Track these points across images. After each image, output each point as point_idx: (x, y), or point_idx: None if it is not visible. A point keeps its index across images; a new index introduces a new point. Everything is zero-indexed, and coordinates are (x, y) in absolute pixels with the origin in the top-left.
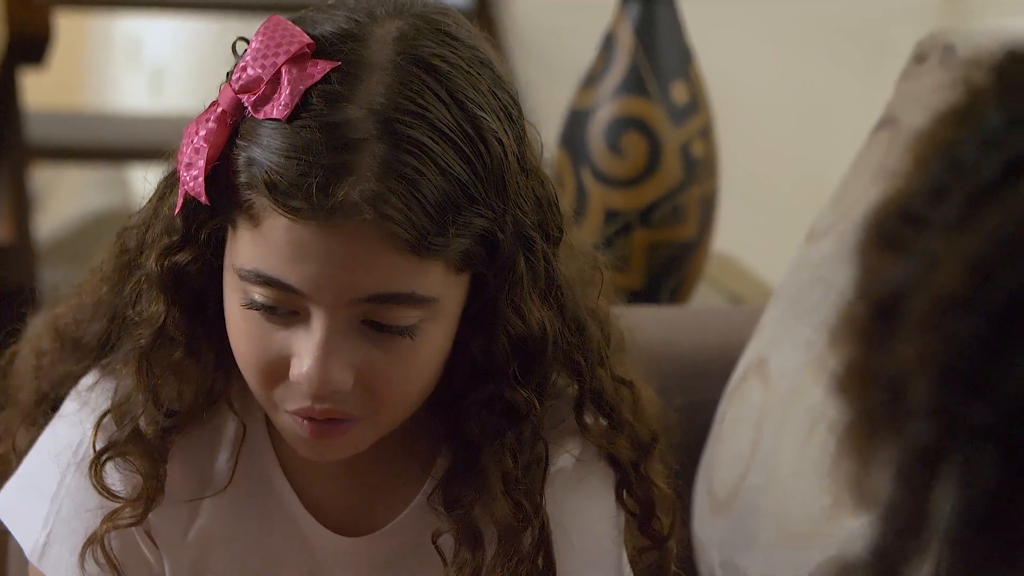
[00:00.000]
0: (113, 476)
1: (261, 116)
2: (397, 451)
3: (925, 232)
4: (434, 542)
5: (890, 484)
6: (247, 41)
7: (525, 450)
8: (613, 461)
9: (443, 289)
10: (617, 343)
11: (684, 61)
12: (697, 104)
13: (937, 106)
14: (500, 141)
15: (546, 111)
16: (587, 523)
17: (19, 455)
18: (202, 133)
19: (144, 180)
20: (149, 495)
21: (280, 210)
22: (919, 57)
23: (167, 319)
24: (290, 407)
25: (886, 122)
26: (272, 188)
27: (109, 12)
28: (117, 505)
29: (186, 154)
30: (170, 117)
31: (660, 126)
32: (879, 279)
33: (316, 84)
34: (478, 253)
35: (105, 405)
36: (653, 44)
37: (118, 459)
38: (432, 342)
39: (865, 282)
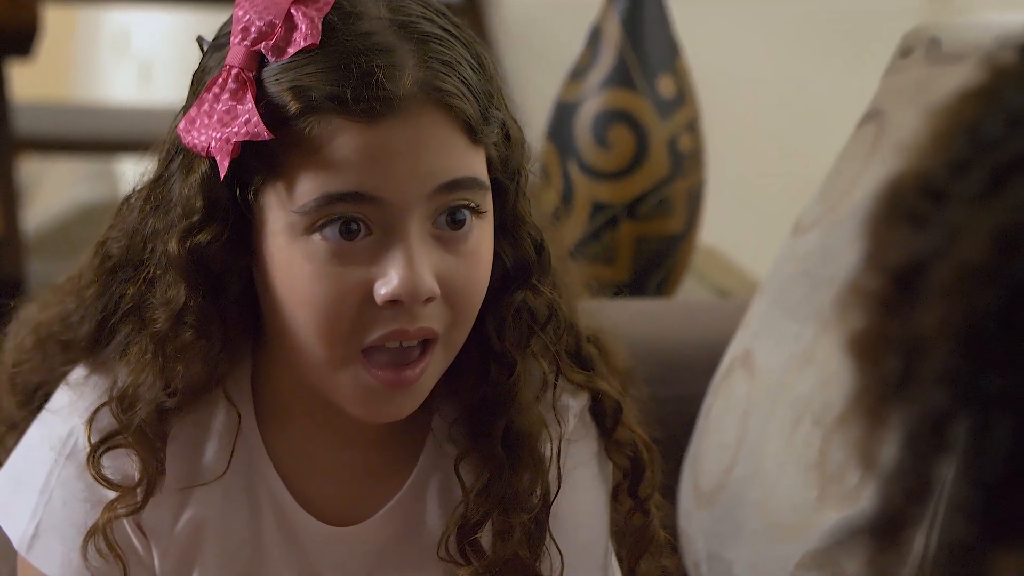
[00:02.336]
0: (108, 466)
1: (286, 56)
2: (383, 442)
3: (946, 205)
4: (456, 469)
5: (898, 449)
6: (202, 41)
7: (546, 356)
8: (599, 409)
9: (487, 182)
10: (576, 295)
11: (671, 55)
12: (684, 97)
13: (958, 84)
14: (485, 50)
15: (534, 104)
16: (578, 508)
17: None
18: (225, 97)
19: (134, 172)
20: (150, 480)
21: (351, 118)
22: (904, 51)
23: (187, 302)
24: (375, 335)
25: (872, 115)
26: (338, 99)
27: (97, 4)
28: (108, 495)
29: (207, 126)
30: (159, 109)
31: (647, 119)
32: (896, 249)
33: (329, 13)
34: (503, 149)
35: (97, 397)
36: (640, 37)
37: (116, 448)
38: (486, 243)
39: (879, 255)
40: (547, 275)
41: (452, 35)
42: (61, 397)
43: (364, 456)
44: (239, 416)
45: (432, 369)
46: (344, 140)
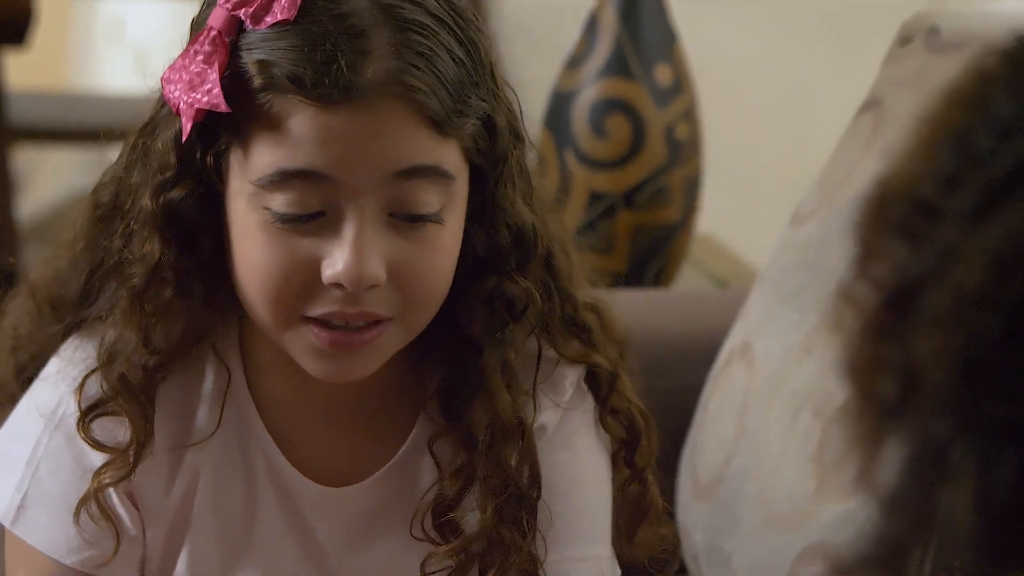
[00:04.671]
0: (98, 432)
1: (263, 25)
2: (378, 403)
3: (939, 223)
4: (430, 448)
5: (898, 475)
6: None
7: (521, 345)
8: (593, 379)
9: (458, 172)
10: (579, 269)
11: (668, 43)
12: (681, 86)
13: (943, 89)
14: (481, 35)
15: (532, 92)
16: (578, 475)
17: None
18: (199, 59)
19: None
20: (140, 443)
21: (308, 101)
22: (903, 39)
23: (162, 257)
24: (317, 311)
25: (870, 104)
26: (297, 81)
27: None
28: (96, 464)
29: (181, 84)
30: (154, 99)
31: (644, 108)
32: (892, 269)
33: None
34: (482, 139)
35: (86, 366)
36: (637, 26)
37: (106, 416)
38: (451, 231)
39: (870, 264)
40: (529, 264)
41: (439, 21)
42: (51, 366)
43: (357, 420)
44: (228, 375)
45: (388, 342)
46: (300, 120)
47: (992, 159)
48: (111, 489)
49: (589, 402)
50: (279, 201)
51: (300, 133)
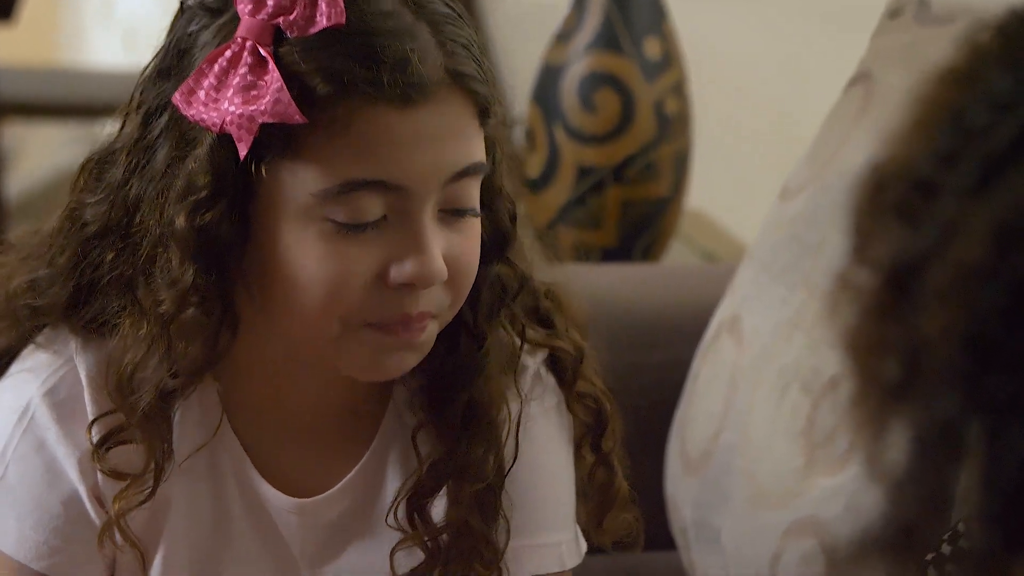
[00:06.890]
0: (112, 457)
1: (310, 31)
2: (344, 413)
3: (937, 200)
4: (413, 439)
5: (907, 455)
6: (185, 3)
7: (512, 327)
8: (558, 364)
9: (486, 165)
10: (530, 250)
11: (658, 17)
12: (671, 60)
13: (937, 67)
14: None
15: (521, 68)
16: (538, 461)
17: None
18: (242, 71)
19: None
20: (158, 464)
21: (385, 103)
22: (893, 12)
23: (195, 281)
24: (379, 316)
25: (860, 77)
26: (375, 84)
27: None
28: (67, 469)
29: (220, 100)
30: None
31: (633, 82)
32: (890, 249)
33: None
34: (497, 126)
35: (59, 365)
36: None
37: (122, 444)
38: (479, 221)
39: (868, 249)
40: (515, 246)
41: (454, 9)
42: (23, 362)
43: (325, 427)
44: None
45: (430, 338)
46: (373, 126)
47: (989, 134)
48: (82, 490)
49: (551, 388)
50: (343, 211)
51: (370, 140)
